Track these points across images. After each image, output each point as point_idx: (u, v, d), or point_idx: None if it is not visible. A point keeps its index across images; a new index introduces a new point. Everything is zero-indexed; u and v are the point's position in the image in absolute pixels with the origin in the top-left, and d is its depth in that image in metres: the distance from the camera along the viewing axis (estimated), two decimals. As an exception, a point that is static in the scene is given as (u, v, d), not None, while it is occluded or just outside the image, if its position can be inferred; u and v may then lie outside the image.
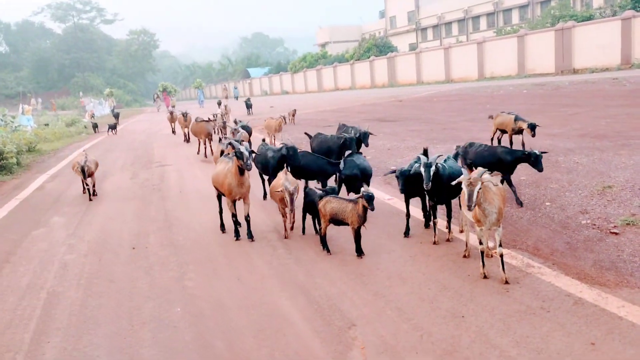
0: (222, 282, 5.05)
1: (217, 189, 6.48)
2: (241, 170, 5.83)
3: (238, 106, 26.08)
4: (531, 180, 7.71)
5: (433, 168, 5.15)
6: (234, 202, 6.15)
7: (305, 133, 9.35)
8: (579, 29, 33.91)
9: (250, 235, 6.18)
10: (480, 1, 54.75)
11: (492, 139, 10.08)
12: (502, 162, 6.42)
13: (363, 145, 8.05)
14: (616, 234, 5.29)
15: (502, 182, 5.87)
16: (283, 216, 6.16)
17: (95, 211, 8.46)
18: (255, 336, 3.92)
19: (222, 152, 7.34)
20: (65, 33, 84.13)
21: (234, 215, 6.24)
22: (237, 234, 6.28)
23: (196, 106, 44.07)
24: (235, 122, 12.67)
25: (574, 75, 32.15)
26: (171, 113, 18.52)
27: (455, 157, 6.08)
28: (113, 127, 23.42)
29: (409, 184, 5.57)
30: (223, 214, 6.73)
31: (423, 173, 5.14)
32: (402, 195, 5.90)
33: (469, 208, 4.20)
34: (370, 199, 4.99)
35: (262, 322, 4.12)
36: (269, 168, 7.39)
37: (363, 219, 5.17)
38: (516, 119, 9.20)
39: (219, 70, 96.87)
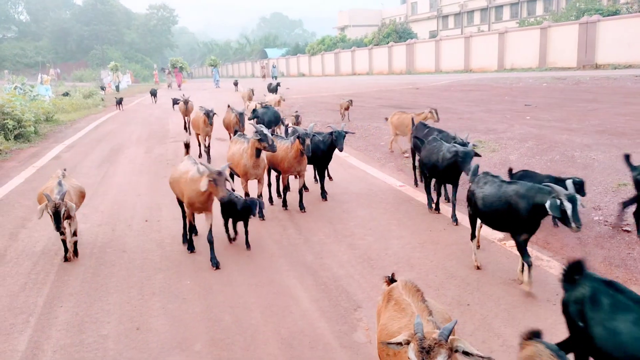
0: (231, 258, 5.12)
1: (231, 169, 6.51)
2: (257, 152, 5.89)
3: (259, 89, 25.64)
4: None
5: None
6: (247, 181, 6.21)
7: (416, 137, 6.87)
8: (604, 23, 33.16)
9: (261, 215, 6.23)
10: (505, -10, 53.76)
11: None
12: None
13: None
14: (628, 232, 5.26)
15: None
16: None
17: (109, 183, 8.57)
18: (262, 312, 3.99)
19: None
20: (85, 4, 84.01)
21: (247, 194, 6.30)
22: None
23: (211, 85, 41.65)
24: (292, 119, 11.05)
25: (595, 70, 31.56)
26: (186, 102, 14.03)
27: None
28: (176, 102, 20.03)
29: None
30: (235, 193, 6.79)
31: (569, 210, 3.59)
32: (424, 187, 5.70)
33: None
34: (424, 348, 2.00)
35: (269, 300, 4.19)
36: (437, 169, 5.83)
37: None
38: None
39: (236, 49, 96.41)
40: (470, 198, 4.47)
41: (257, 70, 79.24)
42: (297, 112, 12.37)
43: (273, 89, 23.07)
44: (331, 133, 6.67)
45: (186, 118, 14.21)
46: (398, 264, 4.75)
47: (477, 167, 4.73)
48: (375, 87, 29.71)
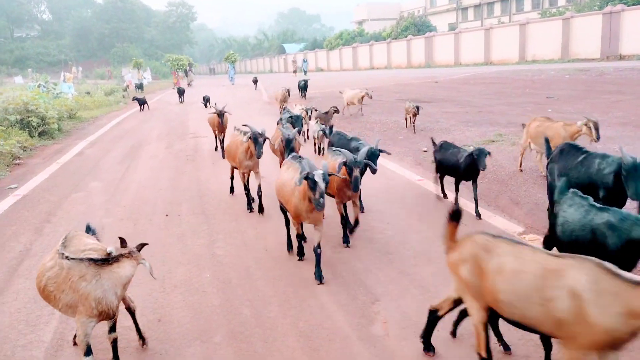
0: (250, 252, 5.17)
1: (281, 203, 5.12)
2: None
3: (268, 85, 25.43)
4: (567, 168, 7.52)
5: None
6: (300, 223, 4.81)
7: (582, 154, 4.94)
8: (629, 13, 32.38)
9: (318, 274, 4.51)
10: (526, -19, 52.85)
11: None
12: None
13: None
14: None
15: None
16: None
17: (131, 179, 8.71)
18: (280, 305, 4.04)
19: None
20: (106, 2, 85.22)
21: (300, 237, 4.95)
22: (300, 254, 4.99)
23: (226, 82, 40.76)
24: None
25: (620, 61, 30.88)
26: (221, 115, 10.12)
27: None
28: (207, 100, 18.77)
29: None
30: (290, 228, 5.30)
31: None
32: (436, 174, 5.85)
33: None
34: None
35: (288, 293, 4.23)
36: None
37: None
38: None
39: (254, 45, 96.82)
40: (551, 222, 3.73)
41: (275, 66, 79.38)
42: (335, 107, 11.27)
43: (302, 87, 21.61)
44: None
45: (217, 133, 10.59)
46: (416, 258, 4.75)
47: (566, 182, 3.82)
48: (394, 81, 29.53)
